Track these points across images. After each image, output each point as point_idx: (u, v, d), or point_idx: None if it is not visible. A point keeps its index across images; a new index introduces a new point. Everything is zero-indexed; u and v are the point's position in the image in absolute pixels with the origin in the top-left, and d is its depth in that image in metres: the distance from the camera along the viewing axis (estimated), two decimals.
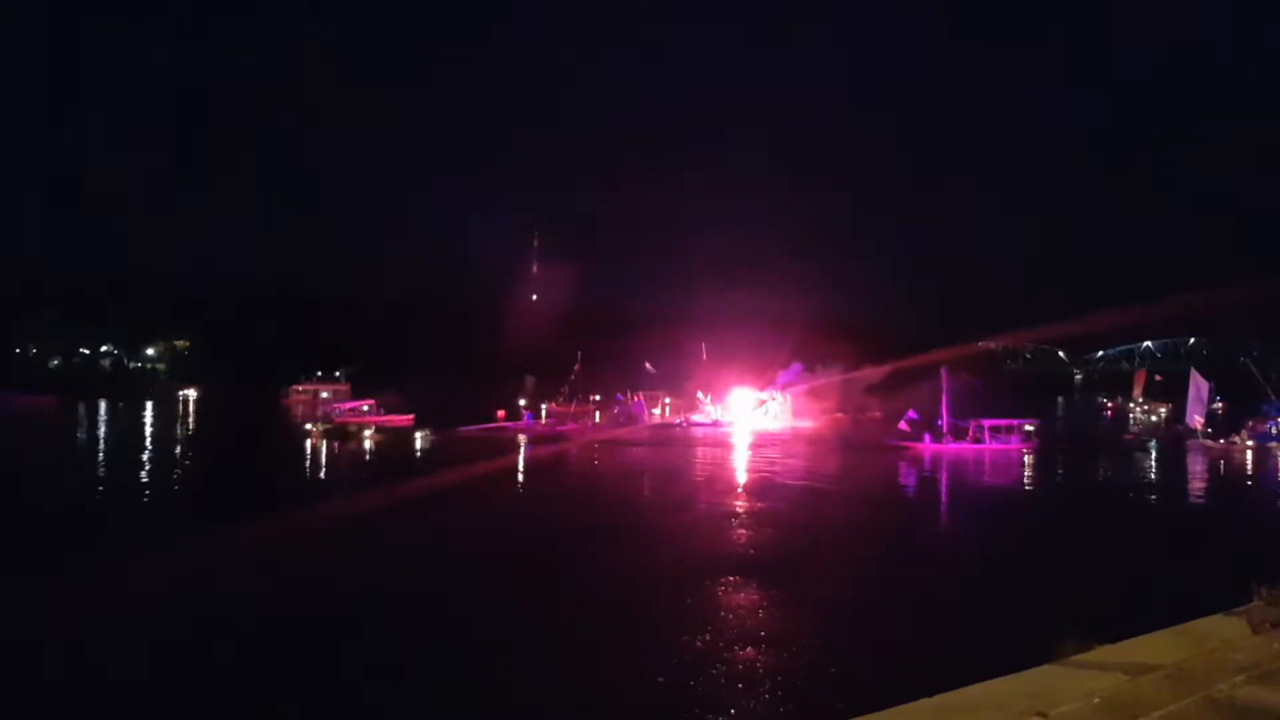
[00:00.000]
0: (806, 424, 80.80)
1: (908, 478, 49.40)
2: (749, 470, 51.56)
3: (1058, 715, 6.74)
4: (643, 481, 46.73)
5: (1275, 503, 43.34)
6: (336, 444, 64.83)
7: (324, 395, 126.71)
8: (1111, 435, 74.84)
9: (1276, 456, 57.84)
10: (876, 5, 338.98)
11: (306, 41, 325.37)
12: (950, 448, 57.95)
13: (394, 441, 66.09)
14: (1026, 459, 55.46)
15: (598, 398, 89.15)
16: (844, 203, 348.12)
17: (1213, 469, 54.16)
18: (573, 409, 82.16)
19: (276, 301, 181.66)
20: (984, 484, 47.94)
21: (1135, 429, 78.61)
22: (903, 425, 67.83)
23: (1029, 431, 60.29)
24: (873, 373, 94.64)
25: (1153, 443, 67.71)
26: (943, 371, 62.47)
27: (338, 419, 78.54)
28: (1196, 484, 49.61)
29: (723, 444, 66.69)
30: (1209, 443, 61.88)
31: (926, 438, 59.74)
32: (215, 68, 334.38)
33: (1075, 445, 62.78)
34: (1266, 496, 45.40)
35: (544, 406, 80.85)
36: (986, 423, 59.22)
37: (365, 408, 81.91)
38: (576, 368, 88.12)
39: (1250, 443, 60.97)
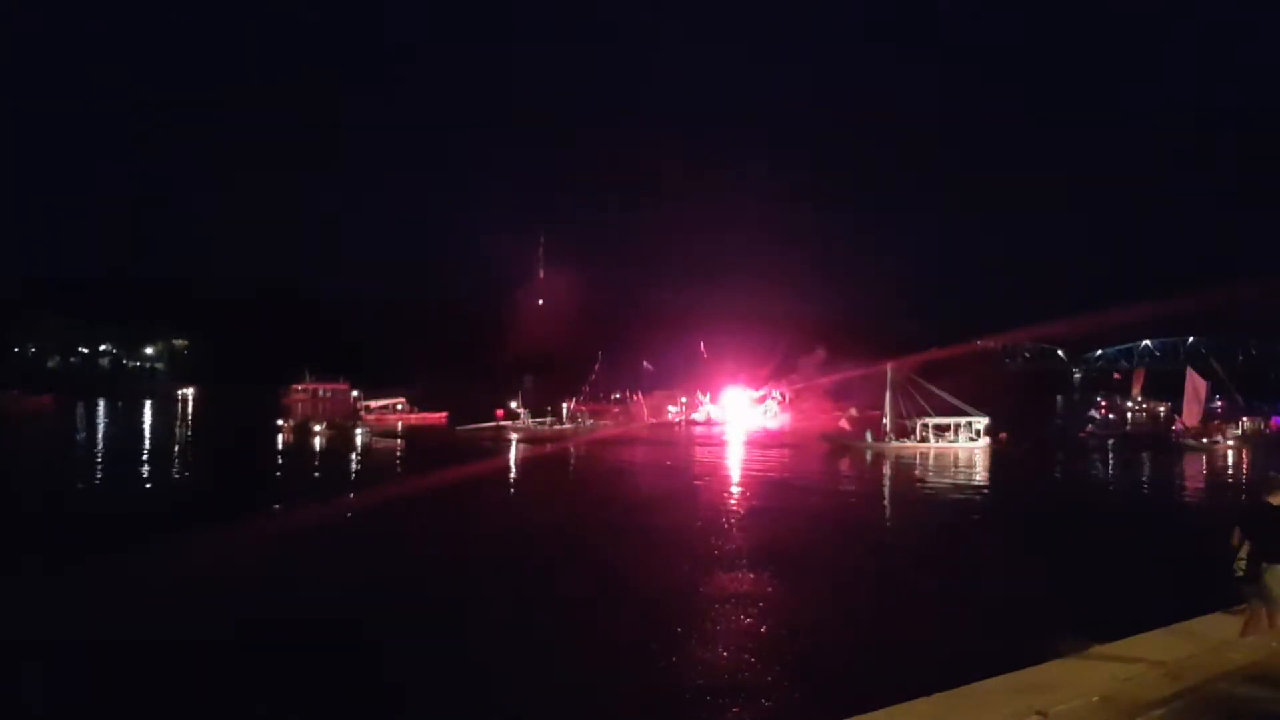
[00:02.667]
0: (808, 422, 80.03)
1: (817, 476, 47.89)
2: (666, 469, 51.33)
3: (1057, 714, 6.73)
4: (582, 490, 45.03)
5: (1177, 505, 41.11)
6: (393, 444, 64.06)
7: (324, 394, 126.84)
8: (1067, 434, 73.24)
9: (1240, 455, 57.83)
10: (878, 6, 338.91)
11: (308, 41, 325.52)
12: (890, 447, 57.91)
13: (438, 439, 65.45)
14: (975, 458, 54.80)
15: (617, 396, 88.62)
16: (845, 202, 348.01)
17: (1160, 469, 53.58)
18: (592, 408, 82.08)
19: (275, 301, 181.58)
20: (890, 483, 46.71)
21: (1091, 428, 76.26)
22: (843, 424, 68.06)
23: (977, 430, 59.96)
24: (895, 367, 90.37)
25: (1111, 442, 67.14)
26: (889, 369, 62.37)
27: (367, 417, 77.76)
28: (1118, 484, 48.45)
29: (688, 444, 65.84)
30: (1191, 441, 62.01)
31: (868, 436, 59.94)
32: (216, 65, 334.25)
33: (1021, 445, 60.51)
34: (1178, 498, 43.49)
35: (565, 405, 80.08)
36: (931, 421, 59.19)
37: (398, 406, 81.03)
38: (597, 367, 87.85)
39: (1231, 442, 61.08)
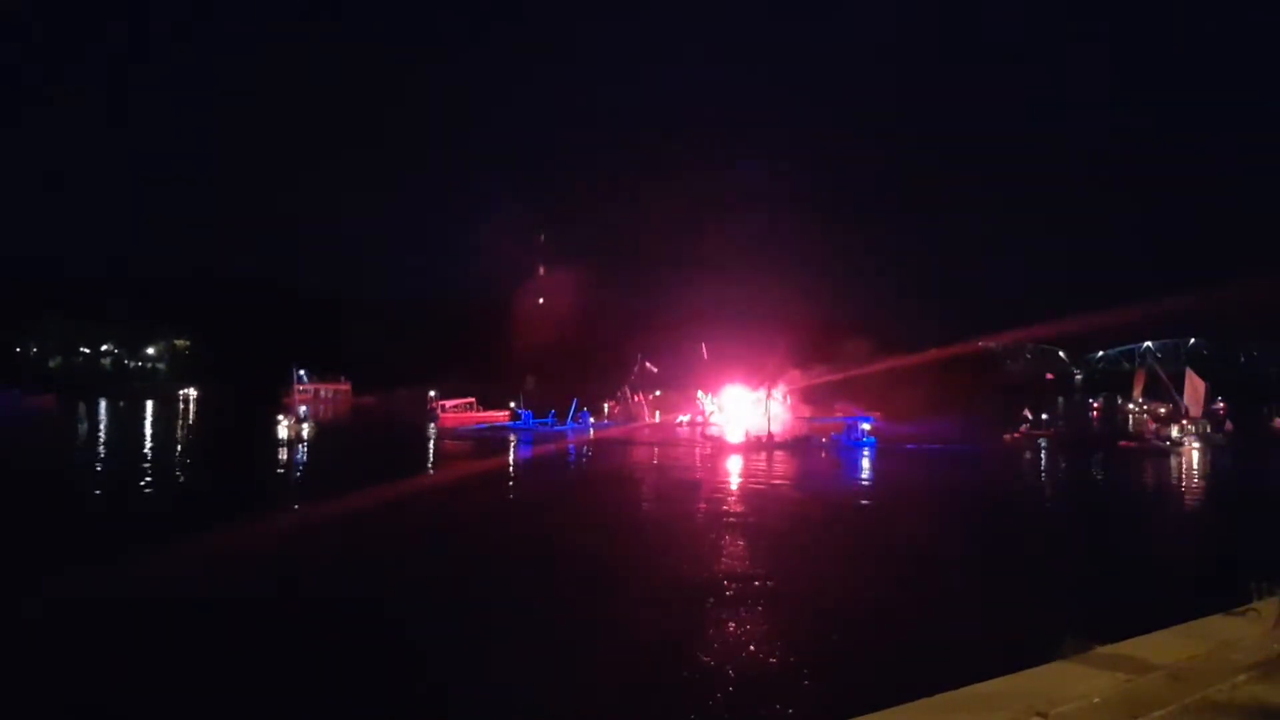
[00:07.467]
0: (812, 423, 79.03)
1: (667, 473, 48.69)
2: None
3: (1057, 715, 6.69)
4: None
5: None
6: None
7: (325, 394, 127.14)
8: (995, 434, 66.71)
9: (1185, 456, 56.60)
10: (877, 4, 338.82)
11: (306, 40, 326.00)
12: (774, 445, 58.52)
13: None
14: (863, 459, 53.62)
15: (657, 394, 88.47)
16: (844, 201, 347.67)
17: (1059, 474, 51.87)
18: (631, 407, 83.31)
19: (276, 301, 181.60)
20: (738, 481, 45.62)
21: (1025, 428, 68.79)
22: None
23: (865, 430, 58.88)
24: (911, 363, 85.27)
25: (1043, 443, 63.99)
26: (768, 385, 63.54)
27: (443, 415, 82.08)
28: (999, 494, 43.26)
29: (639, 444, 65.81)
30: (1159, 444, 61.33)
31: (752, 437, 60.65)
32: (216, 66, 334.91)
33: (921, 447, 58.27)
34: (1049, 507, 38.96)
35: (606, 405, 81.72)
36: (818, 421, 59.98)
37: (468, 406, 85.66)
38: (636, 367, 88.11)
39: (1198, 445, 60.16)
